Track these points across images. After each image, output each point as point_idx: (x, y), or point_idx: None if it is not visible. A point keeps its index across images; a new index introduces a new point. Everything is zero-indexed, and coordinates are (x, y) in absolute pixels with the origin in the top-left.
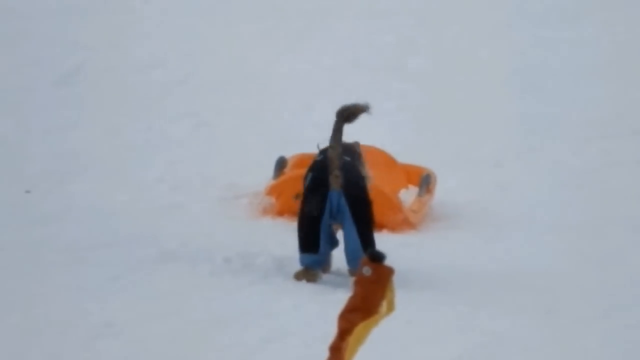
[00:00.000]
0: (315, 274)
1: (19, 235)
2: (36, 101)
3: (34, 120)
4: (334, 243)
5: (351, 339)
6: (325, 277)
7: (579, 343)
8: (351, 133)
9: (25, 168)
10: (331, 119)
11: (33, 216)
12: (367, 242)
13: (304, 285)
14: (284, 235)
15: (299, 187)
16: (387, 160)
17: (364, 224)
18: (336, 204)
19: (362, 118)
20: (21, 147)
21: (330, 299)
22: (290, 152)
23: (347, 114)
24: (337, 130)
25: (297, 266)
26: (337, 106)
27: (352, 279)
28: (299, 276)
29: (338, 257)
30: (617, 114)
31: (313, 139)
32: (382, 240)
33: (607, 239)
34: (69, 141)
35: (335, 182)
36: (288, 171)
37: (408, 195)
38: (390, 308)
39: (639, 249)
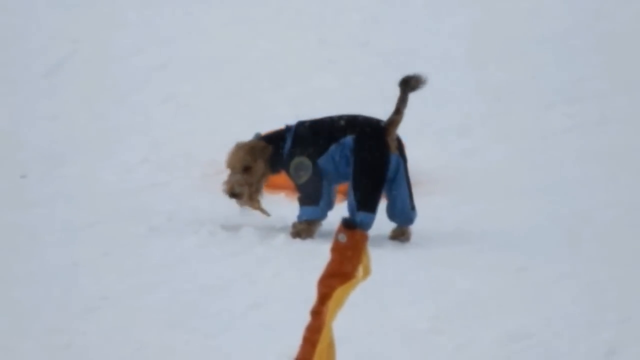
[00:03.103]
0: (311, 229)
1: (16, 217)
2: (27, 92)
3: (25, 110)
4: (332, 203)
5: (331, 303)
6: (304, 244)
7: (549, 299)
8: (323, 107)
9: (19, 154)
10: (302, 96)
11: (29, 199)
12: (413, 201)
13: (284, 254)
14: (265, 207)
15: None
16: None
17: (409, 184)
18: (395, 167)
19: (332, 92)
20: (15, 135)
21: (309, 266)
22: (266, 129)
23: (413, 84)
24: (404, 99)
25: (278, 238)
26: (308, 83)
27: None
28: (297, 228)
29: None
30: (577, 79)
31: (287, 114)
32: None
33: (573, 200)
34: (59, 128)
35: (394, 145)
36: None
37: None
38: (367, 272)
39: (604, 208)
